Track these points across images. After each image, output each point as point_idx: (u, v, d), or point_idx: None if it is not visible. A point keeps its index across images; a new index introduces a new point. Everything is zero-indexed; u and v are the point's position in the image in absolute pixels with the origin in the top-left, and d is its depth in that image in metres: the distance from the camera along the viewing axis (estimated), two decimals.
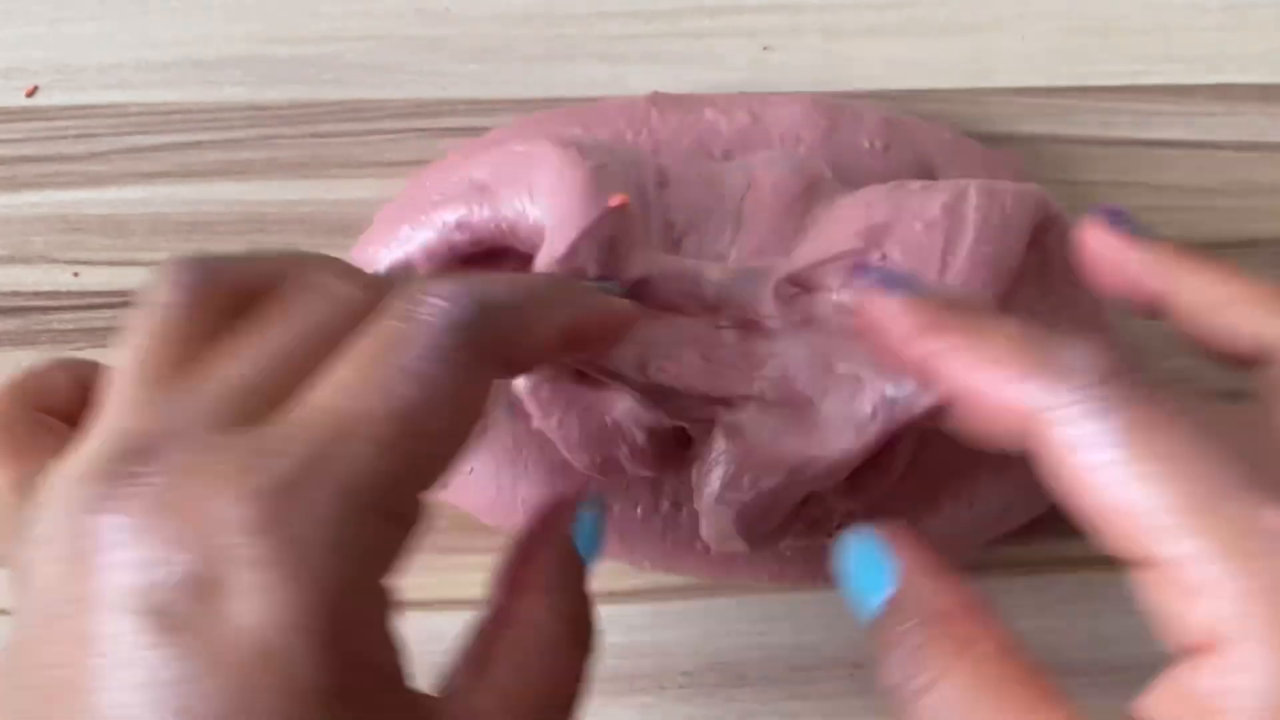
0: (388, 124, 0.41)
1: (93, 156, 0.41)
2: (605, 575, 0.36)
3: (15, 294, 0.39)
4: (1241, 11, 0.44)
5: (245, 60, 0.42)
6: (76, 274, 0.39)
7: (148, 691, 0.18)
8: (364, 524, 0.20)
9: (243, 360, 0.21)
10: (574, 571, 0.26)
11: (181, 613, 0.19)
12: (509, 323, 0.22)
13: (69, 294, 0.39)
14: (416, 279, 0.23)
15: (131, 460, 0.20)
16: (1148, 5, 0.44)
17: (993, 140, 0.42)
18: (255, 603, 0.18)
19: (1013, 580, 0.36)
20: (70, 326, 0.38)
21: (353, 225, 0.40)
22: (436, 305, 0.21)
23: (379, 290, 0.22)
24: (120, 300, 0.39)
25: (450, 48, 0.43)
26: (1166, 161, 0.42)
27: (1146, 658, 0.35)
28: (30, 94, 0.42)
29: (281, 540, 0.19)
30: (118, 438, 0.20)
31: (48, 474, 0.21)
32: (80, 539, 0.19)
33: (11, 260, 0.39)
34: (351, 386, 0.20)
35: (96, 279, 0.39)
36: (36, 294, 0.39)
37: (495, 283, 0.23)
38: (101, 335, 0.38)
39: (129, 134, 0.41)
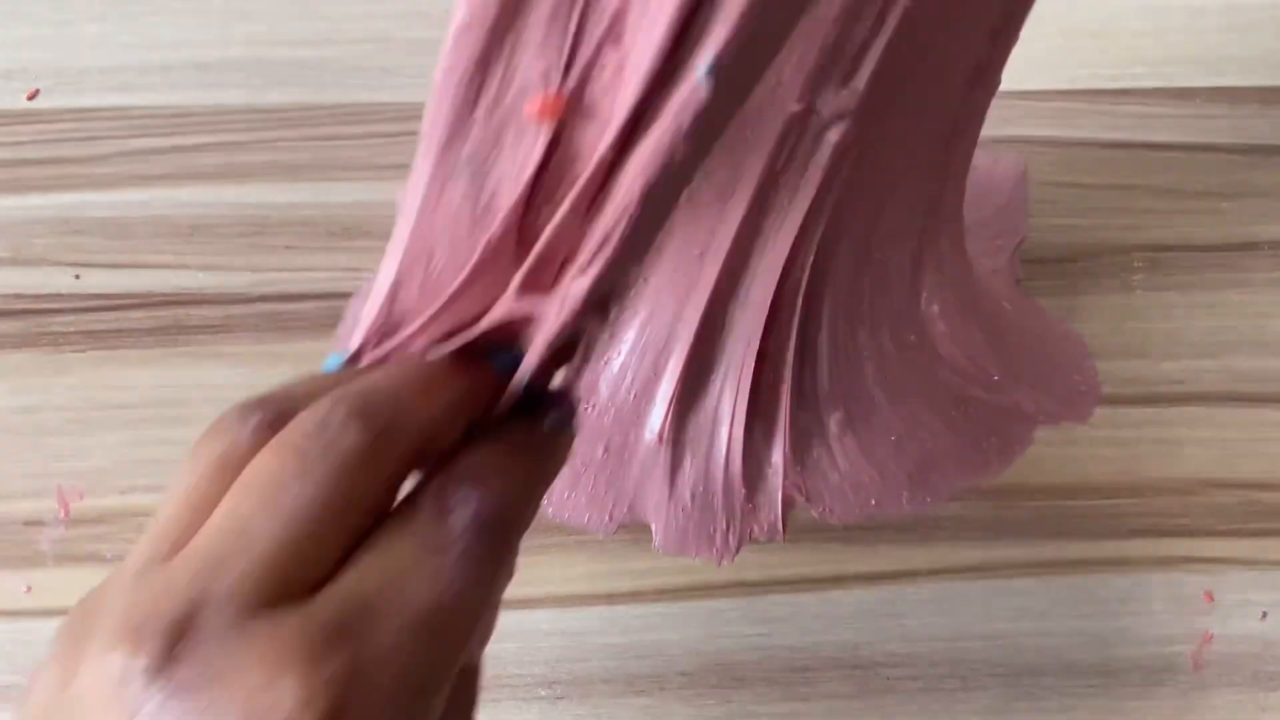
0: (387, 127, 0.42)
1: (94, 159, 0.41)
2: (605, 576, 0.36)
3: (17, 296, 0.39)
4: (1241, 15, 0.44)
5: (246, 63, 0.43)
6: (78, 276, 0.39)
7: None
8: (415, 709, 0.21)
9: (267, 529, 0.21)
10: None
11: None
12: (524, 516, 0.24)
13: (70, 296, 0.39)
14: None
15: (172, 635, 0.20)
16: (1148, 8, 0.44)
17: (994, 143, 0.42)
18: None
19: (1013, 581, 0.36)
20: (71, 328, 0.38)
21: (352, 228, 0.40)
22: (468, 513, 0.23)
23: (382, 443, 0.23)
24: (121, 303, 0.39)
25: None
26: (1166, 164, 0.42)
27: (1146, 658, 0.35)
28: (31, 97, 0.42)
29: None
30: (152, 607, 0.21)
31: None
32: (124, 704, 0.20)
33: (13, 262, 0.39)
34: (394, 582, 0.22)
35: (98, 281, 0.39)
36: (38, 296, 0.39)
37: (504, 475, 0.24)
38: (102, 338, 0.38)
39: (130, 137, 0.41)
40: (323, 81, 0.42)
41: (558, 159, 0.23)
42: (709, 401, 0.36)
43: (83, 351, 0.38)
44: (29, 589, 0.35)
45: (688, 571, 0.36)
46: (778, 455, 0.36)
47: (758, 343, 0.34)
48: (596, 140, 0.22)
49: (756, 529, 0.36)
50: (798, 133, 0.30)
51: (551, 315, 0.24)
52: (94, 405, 0.38)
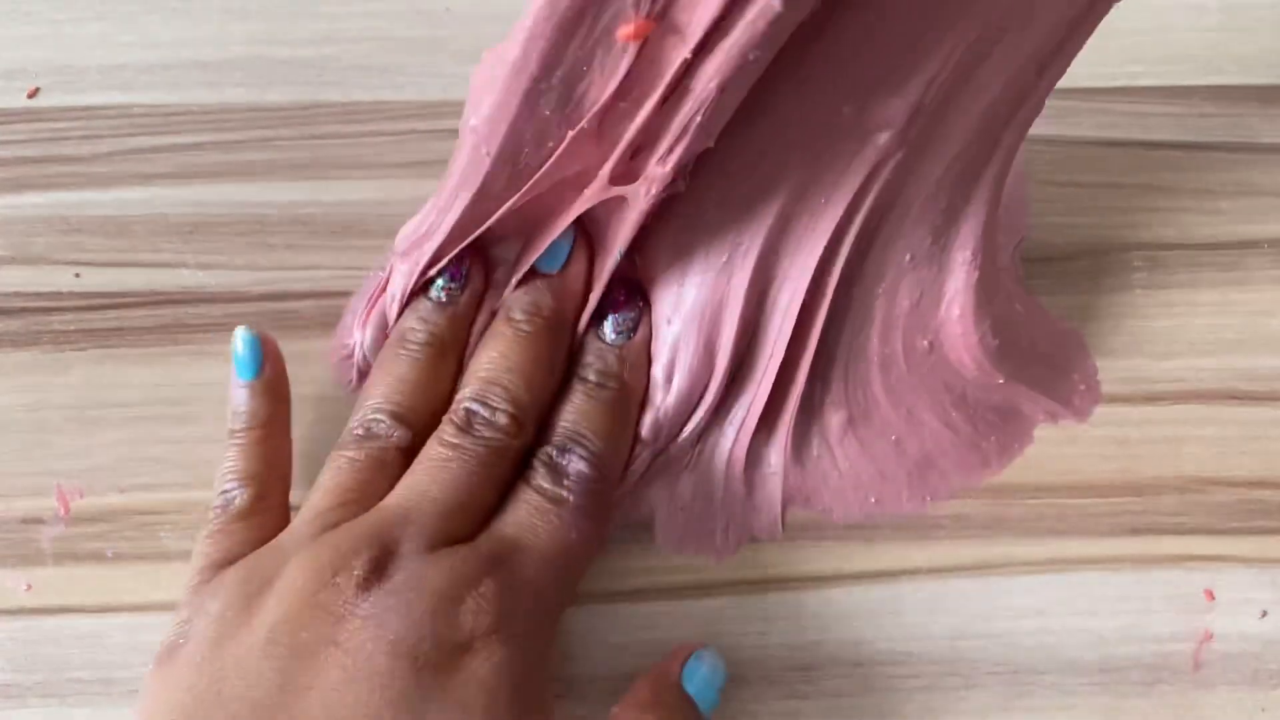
0: (388, 125, 0.42)
1: (94, 158, 0.41)
2: (605, 576, 0.36)
3: (17, 295, 0.39)
4: (1239, 13, 0.44)
5: (246, 62, 0.43)
6: (78, 275, 0.39)
7: (408, 710, 0.27)
8: (544, 617, 0.31)
9: (438, 492, 0.31)
10: (675, 703, 0.32)
11: (439, 662, 0.28)
12: (618, 461, 0.34)
13: (70, 295, 0.39)
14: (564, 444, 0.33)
15: (380, 557, 0.29)
16: (1146, 6, 0.44)
17: None
18: (487, 658, 0.28)
19: (1013, 580, 0.36)
20: (71, 327, 0.38)
21: (353, 226, 0.40)
22: (575, 475, 0.32)
23: (516, 429, 0.32)
24: (121, 301, 0.39)
25: (450, 48, 0.43)
26: (1165, 163, 0.42)
27: (1146, 658, 0.35)
28: (32, 95, 0.42)
29: (506, 623, 0.29)
30: (356, 542, 0.29)
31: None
32: (342, 605, 0.28)
33: (13, 261, 0.39)
34: (529, 529, 0.31)
35: (98, 280, 0.39)
36: (38, 295, 0.39)
37: (608, 443, 0.33)
38: (102, 336, 0.38)
39: (130, 135, 0.41)
40: (323, 80, 0.42)
41: (637, 68, 0.27)
42: (724, 407, 0.36)
43: (83, 350, 0.38)
44: (29, 587, 0.35)
45: (688, 571, 0.36)
46: (778, 455, 0.36)
47: (782, 353, 0.34)
48: (674, 50, 0.27)
49: (756, 528, 0.36)
50: (843, 134, 0.30)
51: (641, 194, 0.30)
52: (94, 404, 0.38)
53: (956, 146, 0.31)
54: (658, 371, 0.34)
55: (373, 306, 0.36)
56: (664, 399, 0.34)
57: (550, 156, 0.30)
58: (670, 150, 0.29)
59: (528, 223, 0.33)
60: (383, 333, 0.36)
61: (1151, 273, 0.40)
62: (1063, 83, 0.43)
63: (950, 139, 0.30)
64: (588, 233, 0.34)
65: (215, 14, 0.43)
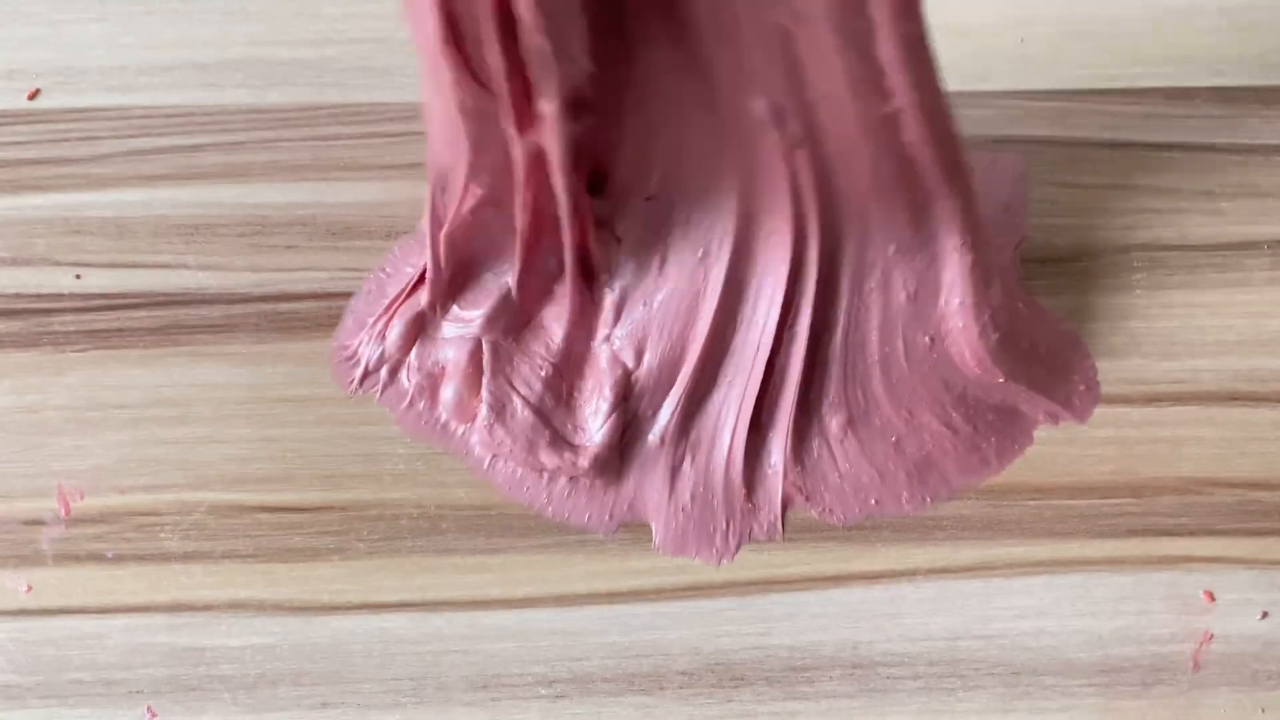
0: (388, 127, 0.42)
1: (94, 159, 0.41)
2: (605, 576, 0.36)
3: (17, 296, 0.39)
4: (1241, 15, 0.44)
5: (246, 63, 0.43)
6: (78, 276, 0.39)
7: None
8: None
9: None
10: None
11: None
12: None
13: (70, 296, 0.39)
14: None
15: None
16: (1146, 7, 0.44)
17: (993, 143, 0.42)
18: None
19: (1013, 580, 0.36)
20: (72, 329, 0.38)
21: (354, 228, 0.40)
22: None
23: None
24: (121, 303, 0.39)
25: None
26: (1165, 164, 0.42)
27: (1145, 658, 0.35)
28: (32, 96, 0.42)
29: None
30: None
31: None
32: None
33: (13, 262, 0.39)
34: None
35: (98, 281, 0.39)
36: (38, 296, 0.39)
37: None
38: (103, 337, 0.38)
39: (130, 136, 0.41)
40: (324, 81, 0.42)
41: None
42: (713, 406, 0.36)
43: (83, 351, 0.38)
44: (29, 588, 0.35)
45: (688, 571, 0.36)
46: (778, 456, 0.36)
47: (769, 349, 0.34)
48: None
49: (756, 529, 0.36)
50: (750, 124, 0.30)
51: (549, 137, 0.29)
52: (94, 405, 0.38)
53: (855, 121, 0.30)
54: (629, 346, 0.35)
55: (394, 307, 0.37)
56: (635, 369, 0.35)
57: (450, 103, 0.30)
58: (540, 81, 0.28)
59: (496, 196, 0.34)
60: (415, 327, 0.36)
61: (1151, 273, 0.40)
62: (1063, 84, 0.43)
63: (842, 115, 0.30)
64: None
65: (215, 15, 0.43)
